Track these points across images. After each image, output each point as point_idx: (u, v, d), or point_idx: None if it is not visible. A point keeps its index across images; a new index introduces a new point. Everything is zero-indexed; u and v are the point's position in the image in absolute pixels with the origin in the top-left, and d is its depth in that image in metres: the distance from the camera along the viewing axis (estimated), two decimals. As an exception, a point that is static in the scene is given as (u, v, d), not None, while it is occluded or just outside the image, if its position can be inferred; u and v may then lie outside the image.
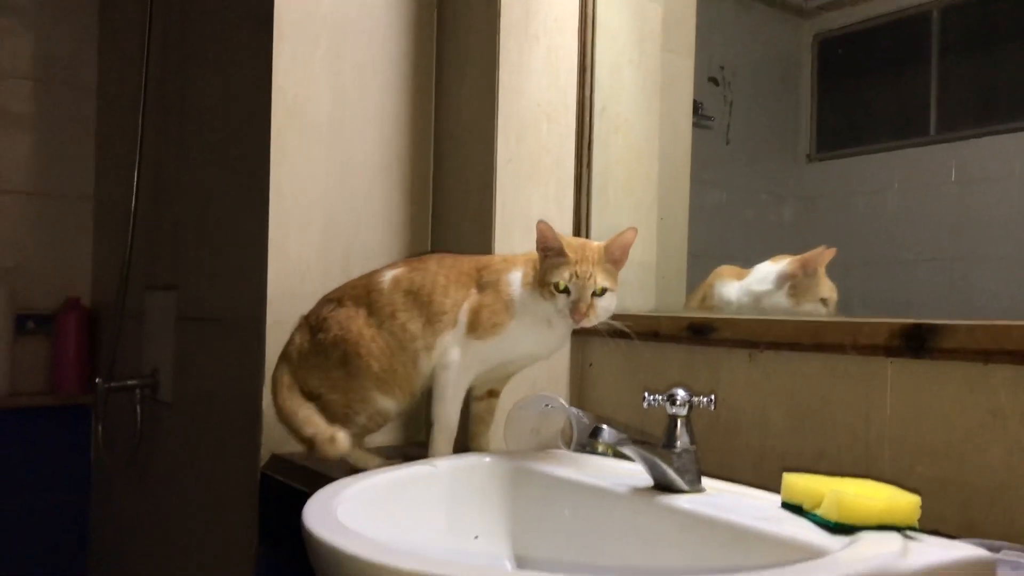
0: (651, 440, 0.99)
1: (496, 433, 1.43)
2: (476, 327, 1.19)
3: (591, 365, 1.50)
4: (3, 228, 2.27)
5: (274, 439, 1.44)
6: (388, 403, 1.22)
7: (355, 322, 1.22)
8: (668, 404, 0.99)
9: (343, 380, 1.21)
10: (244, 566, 1.46)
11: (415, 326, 1.21)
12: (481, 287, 1.22)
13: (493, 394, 1.29)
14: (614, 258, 1.15)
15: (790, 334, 1.16)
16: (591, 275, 1.12)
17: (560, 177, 1.51)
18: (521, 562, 1.08)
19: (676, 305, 1.62)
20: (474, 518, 1.11)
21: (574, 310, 1.12)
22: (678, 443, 0.99)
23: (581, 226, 1.51)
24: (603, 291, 1.13)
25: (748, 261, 1.77)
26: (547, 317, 1.15)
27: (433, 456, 1.18)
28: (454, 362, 1.19)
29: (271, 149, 1.45)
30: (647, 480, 1.02)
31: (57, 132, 2.36)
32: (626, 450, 0.96)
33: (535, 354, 1.23)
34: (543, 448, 1.43)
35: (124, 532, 2.10)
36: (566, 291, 1.12)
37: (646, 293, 1.59)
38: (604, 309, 1.14)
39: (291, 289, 1.46)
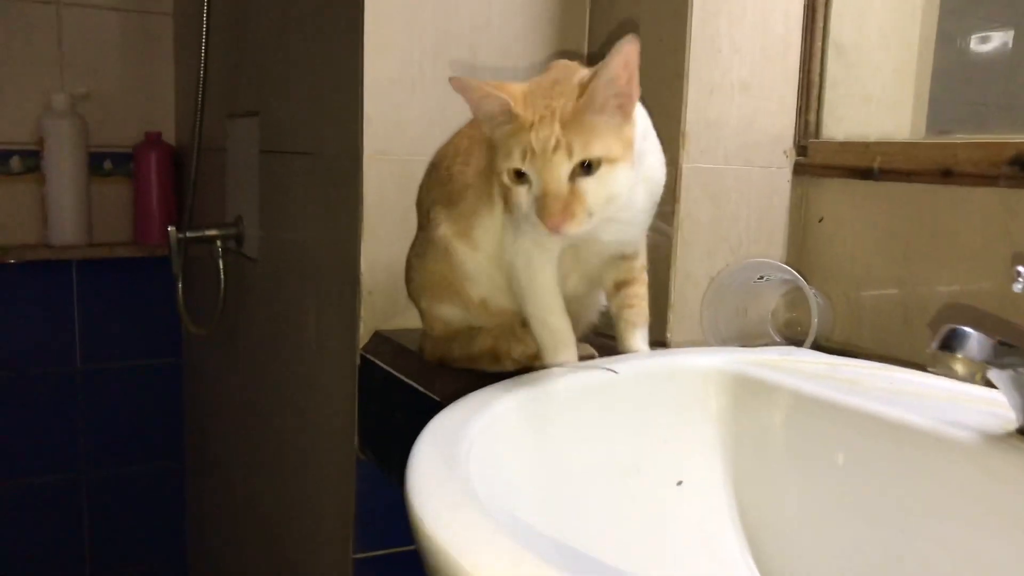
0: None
1: (681, 322, 1.01)
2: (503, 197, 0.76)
3: (821, 220, 1.04)
4: (71, 47, 1.92)
5: (377, 312, 1.06)
6: (451, 311, 0.87)
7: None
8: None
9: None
10: (343, 474, 1.12)
11: (438, 212, 0.85)
12: None
13: (625, 284, 0.83)
14: (613, 92, 0.66)
15: None
16: (556, 140, 0.64)
17: (788, -60, 1.01)
18: (765, 560, 0.67)
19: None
20: (674, 452, 0.71)
21: (542, 211, 0.65)
22: (1078, 360, 0.54)
23: (817, 7, 1.02)
24: (590, 164, 0.66)
25: (952, 101, 1.35)
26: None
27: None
28: (514, 254, 0.78)
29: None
30: (1003, 417, 0.58)
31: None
32: (994, 375, 0.52)
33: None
34: (747, 337, 1.01)
35: (217, 404, 1.83)
36: (526, 180, 0.67)
37: (901, 114, 1.10)
38: (603, 197, 0.66)
39: (396, 107, 1.04)
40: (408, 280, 0.92)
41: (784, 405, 0.68)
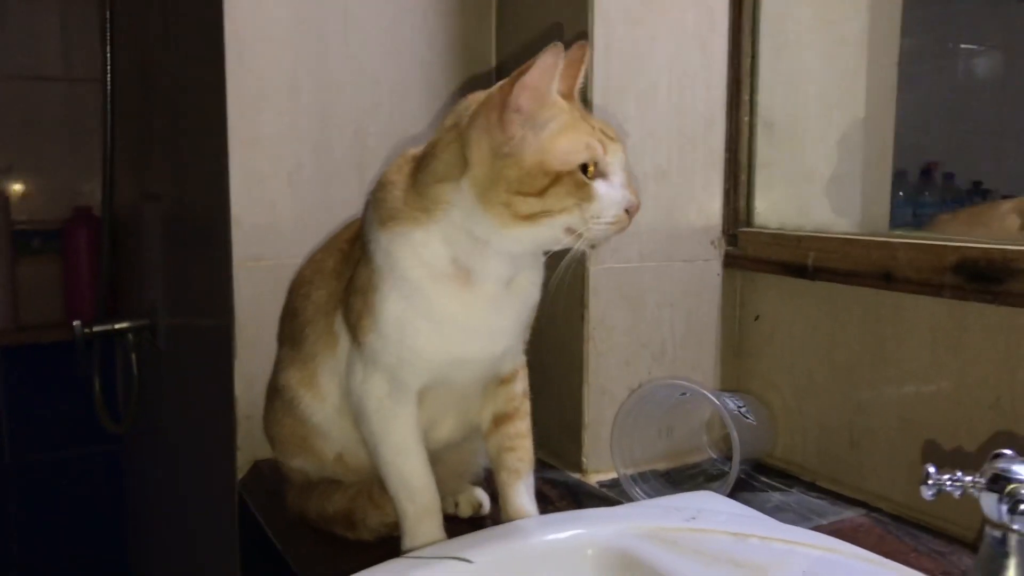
0: None
1: (598, 444, 0.88)
2: (350, 324, 0.65)
3: (757, 319, 0.91)
4: (-7, 120, 1.82)
5: (257, 439, 0.93)
6: (305, 465, 0.75)
7: None
8: (1009, 510, 0.41)
9: None
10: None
11: (283, 352, 0.75)
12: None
13: (506, 420, 0.70)
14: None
15: None
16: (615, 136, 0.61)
17: (709, 1, 0.88)
18: None
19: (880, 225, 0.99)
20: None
21: (633, 192, 0.60)
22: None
23: (742, 79, 0.89)
24: None
25: (940, 131, 1.37)
26: (474, 251, 0.60)
27: (410, 545, 0.65)
28: (362, 396, 0.65)
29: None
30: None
31: (57, 7, 1.86)
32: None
33: (465, 347, 0.64)
34: (678, 456, 0.88)
35: (150, 499, 1.70)
36: (599, 174, 0.59)
37: (847, 200, 0.97)
38: None
39: (271, 205, 0.92)
40: (264, 425, 0.79)
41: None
